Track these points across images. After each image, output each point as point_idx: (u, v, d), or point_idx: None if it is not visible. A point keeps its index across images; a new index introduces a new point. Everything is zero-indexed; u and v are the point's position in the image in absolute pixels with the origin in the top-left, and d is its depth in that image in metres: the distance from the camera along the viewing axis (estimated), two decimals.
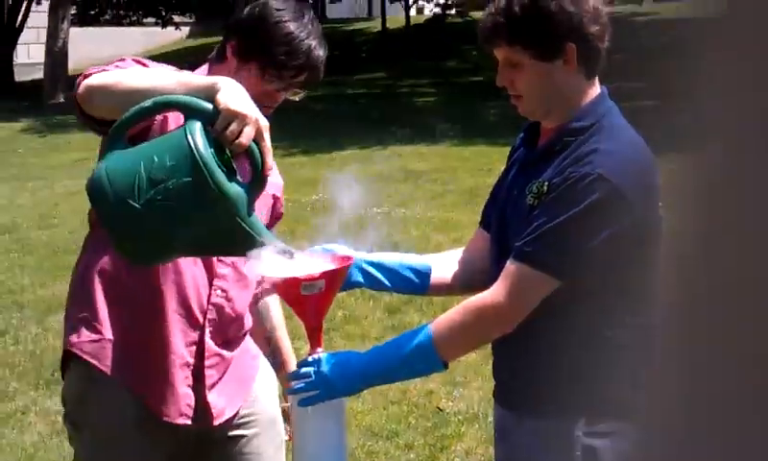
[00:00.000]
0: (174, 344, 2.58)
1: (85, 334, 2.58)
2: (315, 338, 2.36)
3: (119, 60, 2.48)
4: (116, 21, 34.60)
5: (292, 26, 2.54)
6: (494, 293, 2.23)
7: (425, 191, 11.68)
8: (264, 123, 2.18)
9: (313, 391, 2.27)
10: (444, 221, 9.50)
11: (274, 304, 2.95)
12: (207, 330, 2.62)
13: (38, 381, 5.67)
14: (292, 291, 2.31)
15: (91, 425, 2.65)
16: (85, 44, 30.94)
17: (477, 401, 5.20)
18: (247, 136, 2.13)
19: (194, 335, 2.61)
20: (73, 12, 25.93)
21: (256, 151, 2.18)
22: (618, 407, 2.25)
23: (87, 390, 2.63)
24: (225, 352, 2.68)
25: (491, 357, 4.77)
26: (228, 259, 2.59)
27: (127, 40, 34.18)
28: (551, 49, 2.25)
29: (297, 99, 2.65)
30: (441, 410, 5.18)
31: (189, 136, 2.11)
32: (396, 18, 37.40)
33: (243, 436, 2.75)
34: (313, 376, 2.27)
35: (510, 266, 2.22)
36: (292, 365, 2.80)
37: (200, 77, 2.39)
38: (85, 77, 2.34)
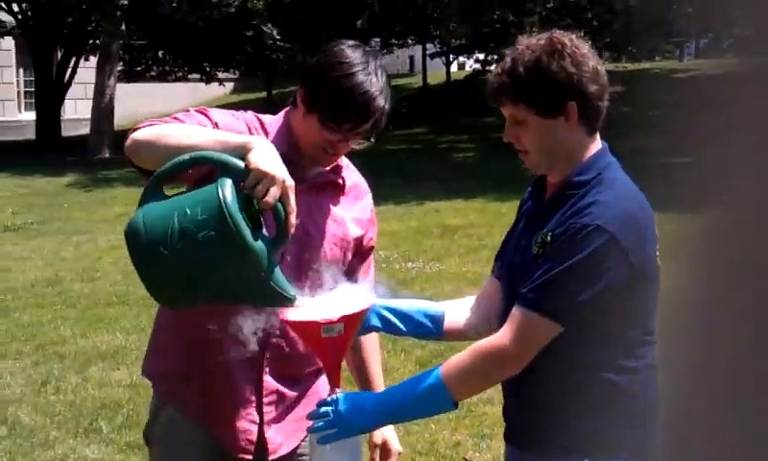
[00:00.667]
0: (234, 379, 2.72)
1: (157, 362, 2.81)
2: (334, 378, 2.52)
3: (184, 111, 2.65)
4: (162, 77, 35.21)
5: (354, 79, 2.59)
6: (501, 337, 2.37)
7: (461, 246, 11.80)
8: (290, 183, 2.33)
9: (331, 429, 2.42)
10: (478, 275, 9.61)
11: (367, 339, 2.98)
12: (266, 368, 2.75)
13: (77, 430, 5.85)
14: (312, 333, 2.47)
15: (157, 444, 2.86)
16: (131, 100, 31.53)
17: (504, 452, 5.29)
18: (273, 196, 2.29)
19: (253, 373, 2.74)
20: (120, 68, 26.44)
21: (281, 209, 2.34)
22: (618, 445, 2.39)
23: (159, 411, 2.84)
24: (286, 391, 2.80)
25: None
26: None
27: (172, 96, 34.78)
28: (553, 106, 2.40)
29: (360, 147, 2.72)
30: None
31: (220, 191, 2.28)
32: (436, 74, 37.74)
33: None
34: (331, 415, 2.42)
35: (515, 312, 2.37)
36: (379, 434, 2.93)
37: (235, 136, 2.51)
38: (135, 130, 2.52)
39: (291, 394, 2.82)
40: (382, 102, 2.63)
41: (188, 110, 2.65)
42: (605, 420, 2.41)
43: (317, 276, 2.60)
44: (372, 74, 2.61)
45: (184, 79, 35.05)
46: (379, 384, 3.00)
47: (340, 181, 2.83)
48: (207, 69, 32.87)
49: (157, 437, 2.86)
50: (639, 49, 33.87)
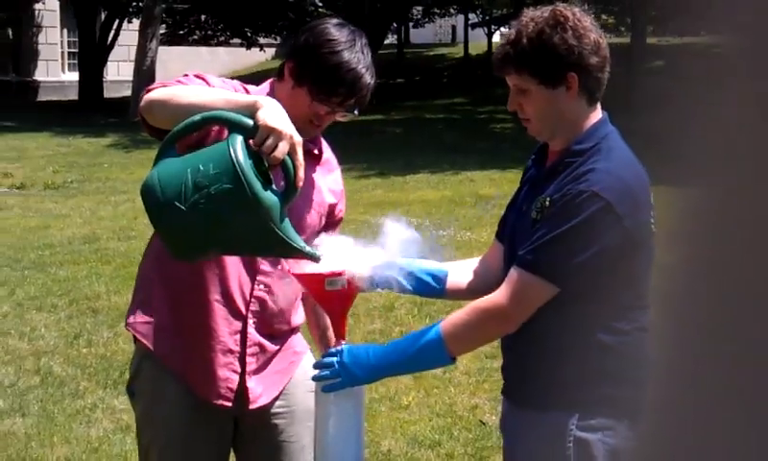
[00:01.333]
0: (217, 331, 2.83)
1: (140, 315, 2.89)
2: (339, 330, 2.63)
3: (183, 75, 2.76)
4: (204, 41, 35.41)
5: (342, 55, 2.73)
6: (498, 296, 2.46)
7: (493, 216, 11.85)
8: (298, 139, 2.44)
9: (335, 378, 2.54)
10: None
11: None
12: (251, 321, 2.86)
13: (107, 382, 6.00)
14: (316, 286, 2.58)
15: (143, 396, 2.96)
16: (173, 63, 31.71)
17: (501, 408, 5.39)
18: (281, 151, 2.40)
19: (237, 324, 2.85)
20: (162, 31, 26.63)
21: (290, 164, 2.44)
22: (609, 405, 2.48)
23: (142, 364, 2.94)
24: (267, 343, 2.91)
25: None
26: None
27: (213, 60, 34.99)
28: (554, 77, 2.48)
29: (344, 120, 2.86)
30: (483, 424, 5.37)
31: (231, 148, 2.38)
32: (478, 44, 37.62)
33: (279, 425, 2.98)
34: (336, 365, 2.53)
35: (512, 272, 2.46)
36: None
37: (244, 96, 2.64)
38: (148, 91, 2.64)
39: (271, 347, 2.93)
40: (369, 78, 2.77)
41: (187, 75, 2.75)
42: (596, 379, 2.49)
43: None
44: (358, 51, 2.75)
45: (226, 43, 35.23)
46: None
47: (317, 151, 2.95)
48: (249, 34, 33.01)
49: (142, 390, 2.95)
50: (683, 22, 33.45)
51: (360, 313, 7.37)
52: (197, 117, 2.47)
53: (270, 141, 2.39)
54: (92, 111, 26.48)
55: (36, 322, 7.37)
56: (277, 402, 2.98)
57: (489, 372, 6.15)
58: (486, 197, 13.32)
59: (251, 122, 2.42)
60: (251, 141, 2.41)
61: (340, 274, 2.52)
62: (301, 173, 2.45)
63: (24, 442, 5.18)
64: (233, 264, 2.81)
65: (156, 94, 2.60)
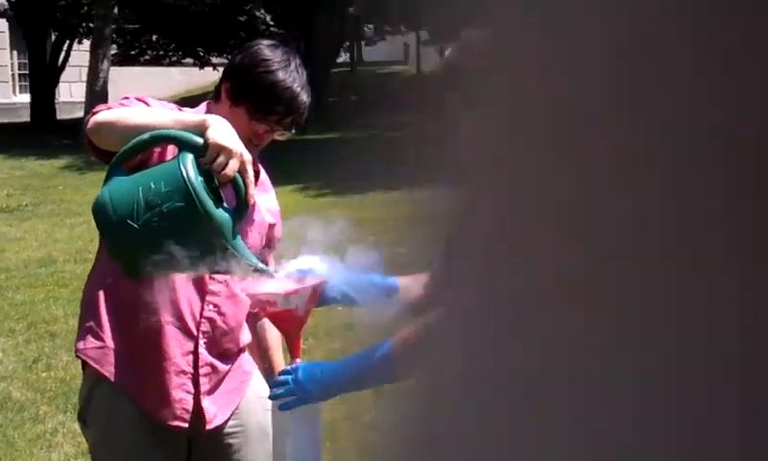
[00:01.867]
0: (169, 353, 2.84)
1: (90, 341, 2.86)
2: (293, 349, 2.66)
3: (123, 98, 2.80)
4: (156, 61, 35.27)
5: (278, 74, 2.80)
6: None
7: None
8: (247, 157, 2.48)
9: (290, 397, 2.56)
10: None
11: (271, 325, 3.16)
12: (201, 342, 2.89)
13: (67, 406, 5.98)
14: (270, 305, 2.61)
15: (96, 423, 2.93)
16: (125, 83, 31.51)
17: None
18: (231, 168, 2.44)
19: (189, 345, 2.87)
20: (114, 51, 26.50)
21: (240, 181, 2.49)
22: None
23: (93, 391, 2.91)
24: (218, 364, 2.94)
25: None
26: (221, 277, 2.86)
27: (165, 80, 34.84)
28: None
29: (282, 138, 2.91)
30: None
31: (182, 166, 2.42)
32: (430, 62, 37.78)
33: (233, 444, 3.00)
34: (290, 383, 2.55)
35: None
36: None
37: (192, 114, 2.69)
38: (94, 114, 2.67)
39: (223, 367, 2.96)
40: (305, 97, 2.85)
41: (128, 97, 2.79)
42: None
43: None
44: (293, 71, 2.83)
45: (179, 63, 35.09)
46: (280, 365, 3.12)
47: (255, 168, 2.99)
48: (201, 54, 32.91)
49: (96, 416, 2.92)
50: None
51: (320, 332, 7.41)
52: (146, 136, 2.49)
53: (220, 159, 2.43)
54: (45, 133, 26.26)
55: None
56: (230, 422, 3.00)
57: None
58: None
59: (200, 140, 2.45)
60: (201, 160, 2.46)
61: (293, 292, 2.55)
62: (252, 190, 2.49)
63: None
64: (183, 285, 2.84)
65: (102, 116, 2.63)
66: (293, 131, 2.91)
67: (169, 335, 2.85)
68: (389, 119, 28.75)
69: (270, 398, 2.60)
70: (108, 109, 2.68)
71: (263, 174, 3.10)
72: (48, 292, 8.96)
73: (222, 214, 2.42)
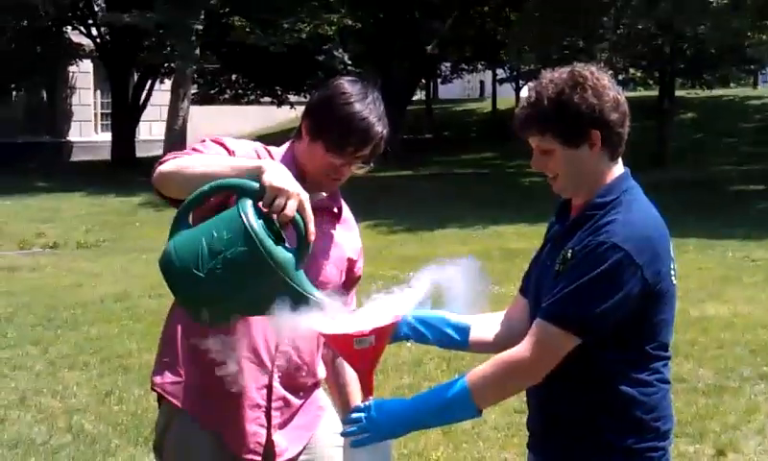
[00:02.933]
0: (245, 387, 2.87)
1: (168, 376, 2.92)
2: (366, 387, 2.65)
3: (201, 141, 2.86)
4: (234, 100, 35.80)
5: (354, 107, 2.81)
6: (522, 348, 2.49)
7: (522, 270, 11.82)
8: (305, 196, 2.50)
9: (364, 434, 2.56)
10: None
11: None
12: (276, 375, 2.91)
13: (138, 439, 6.04)
14: (345, 345, 2.61)
15: (173, 452, 2.97)
16: (204, 122, 32.00)
17: None
18: (291, 209, 2.46)
19: (264, 379, 2.89)
20: (194, 91, 26.97)
21: (300, 220, 2.50)
22: (630, 457, 2.50)
23: (170, 423, 2.96)
24: (292, 398, 2.96)
25: None
26: None
27: (244, 118, 35.34)
28: (577, 136, 2.52)
29: (361, 173, 2.92)
30: None
31: (241, 212, 2.45)
32: (506, 99, 37.79)
33: None
34: (363, 420, 2.56)
35: (535, 324, 2.48)
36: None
37: (248, 160, 2.70)
38: (160, 164, 2.74)
39: (295, 401, 2.97)
40: (380, 128, 2.84)
41: (204, 140, 2.85)
42: (618, 430, 2.51)
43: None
44: (370, 103, 2.83)
45: (257, 102, 35.58)
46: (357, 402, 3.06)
47: (336, 208, 3.02)
48: (279, 92, 33.32)
49: (171, 447, 2.96)
50: (712, 76, 33.50)
51: (389, 368, 7.40)
52: (205, 188, 2.54)
53: (278, 201, 2.45)
54: (124, 171, 26.79)
55: (69, 380, 7.44)
56: (301, 457, 3.01)
57: (518, 426, 6.14)
58: (515, 251, 13.34)
59: (257, 185, 2.48)
60: (260, 204, 2.47)
61: (368, 334, 2.55)
62: (312, 227, 2.50)
63: None
64: (258, 321, 2.85)
65: (166, 167, 2.69)
66: (371, 164, 2.90)
67: (246, 370, 2.87)
68: (464, 156, 28.78)
69: (343, 435, 2.60)
70: (174, 157, 2.73)
71: (347, 211, 3.11)
72: (122, 327, 9.10)
73: (284, 254, 2.43)
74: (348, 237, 3.08)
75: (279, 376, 2.92)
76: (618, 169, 2.60)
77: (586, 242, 2.46)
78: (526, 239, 14.46)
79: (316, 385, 3.07)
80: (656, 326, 2.51)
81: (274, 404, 2.93)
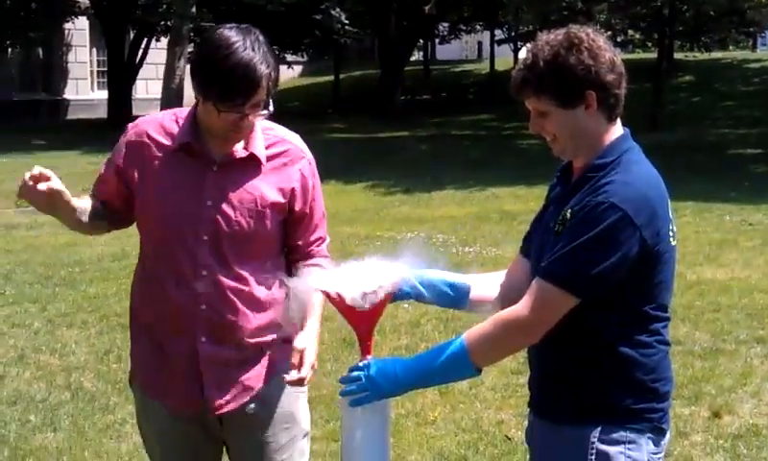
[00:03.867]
0: (172, 356, 3.00)
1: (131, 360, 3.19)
2: (365, 346, 2.67)
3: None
4: None
5: (230, 60, 2.73)
6: (520, 307, 2.51)
7: (519, 232, 11.86)
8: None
9: (362, 393, 2.58)
10: None
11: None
12: (201, 339, 2.97)
13: None
14: (345, 304, 2.62)
15: (138, 420, 3.27)
16: None
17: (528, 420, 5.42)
18: None
19: (188, 344, 2.97)
20: (190, 49, 26.82)
21: None
22: (631, 418, 2.53)
23: (134, 396, 3.24)
24: (221, 354, 3.00)
25: None
26: (209, 277, 2.92)
27: None
28: (573, 97, 2.52)
29: (264, 118, 2.88)
30: (509, 439, 5.39)
31: None
32: (504, 60, 37.65)
33: (255, 426, 3.08)
34: (363, 379, 2.57)
35: (534, 283, 2.50)
36: (300, 341, 2.98)
37: None
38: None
39: (229, 358, 3.01)
40: (265, 68, 2.77)
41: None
42: (618, 392, 2.53)
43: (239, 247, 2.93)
44: (248, 48, 2.76)
45: None
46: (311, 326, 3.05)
47: (245, 153, 2.95)
48: (277, 52, 33.10)
49: (137, 417, 3.28)
50: (711, 38, 33.42)
51: (386, 329, 7.43)
52: None
53: None
54: (121, 129, 26.73)
55: (67, 338, 7.48)
56: (252, 405, 3.06)
57: (514, 387, 6.18)
58: (512, 213, 13.36)
59: None
60: None
61: (372, 293, 2.56)
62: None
63: (56, 456, 5.26)
64: (174, 295, 2.95)
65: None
66: (270, 108, 2.86)
67: (170, 342, 3.00)
68: (461, 117, 28.74)
69: (342, 394, 2.62)
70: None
71: (282, 147, 3.03)
72: (120, 285, 9.09)
73: None
74: (275, 177, 3.00)
75: (204, 340, 2.97)
76: (617, 130, 2.60)
77: (584, 202, 2.47)
78: (523, 201, 14.48)
79: (249, 337, 3.03)
80: (655, 287, 2.53)
81: (201, 366, 3.00)
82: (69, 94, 33.78)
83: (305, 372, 2.88)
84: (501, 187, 16.04)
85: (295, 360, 2.90)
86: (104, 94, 31.94)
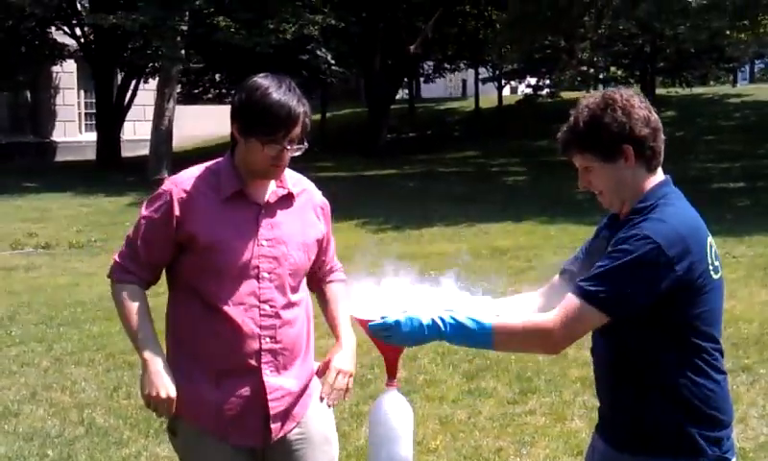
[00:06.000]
0: (237, 390, 3.19)
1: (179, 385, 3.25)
2: (392, 370, 2.96)
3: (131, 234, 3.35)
4: (218, 99, 35.96)
5: (272, 97, 3.11)
6: (551, 318, 2.75)
7: (509, 267, 12.14)
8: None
9: (384, 332, 2.78)
10: None
11: (332, 289, 3.54)
12: (265, 371, 3.21)
13: (149, 431, 6.29)
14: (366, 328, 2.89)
15: (182, 432, 3.32)
16: (188, 121, 32.18)
17: (542, 459, 5.68)
18: None
19: (255, 377, 3.19)
20: (178, 90, 27.10)
21: None
22: (696, 447, 2.77)
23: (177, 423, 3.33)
24: (284, 384, 3.25)
25: (558, 421, 5.34)
26: (271, 310, 3.20)
27: (227, 117, 35.37)
28: (612, 152, 2.82)
29: (300, 153, 3.20)
30: None
31: None
32: (489, 98, 38.10)
33: (297, 450, 3.31)
34: (391, 323, 2.76)
35: (567, 298, 2.75)
36: (339, 361, 3.28)
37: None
38: (117, 266, 3.35)
39: (287, 386, 3.27)
40: (301, 108, 3.14)
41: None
42: (683, 422, 2.76)
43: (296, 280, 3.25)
44: (285, 89, 3.14)
45: None
46: (344, 325, 3.38)
47: (285, 191, 3.30)
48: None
49: (180, 428, 3.33)
50: (691, 74, 33.94)
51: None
52: None
53: None
54: (110, 171, 26.92)
55: (76, 376, 7.69)
56: (295, 431, 3.30)
57: (512, 416, 6.44)
58: (501, 248, 13.62)
59: None
60: None
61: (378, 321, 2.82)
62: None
63: None
64: (241, 323, 3.17)
65: (116, 300, 3.35)
66: (305, 144, 3.19)
67: (237, 368, 3.20)
68: (447, 155, 29.04)
69: (371, 327, 2.82)
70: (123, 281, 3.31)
71: (300, 185, 3.38)
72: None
73: None
74: (309, 210, 3.38)
75: (269, 372, 3.22)
76: (657, 178, 2.88)
77: (621, 235, 2.74)
78: (512, 237, 14.77)
79: (303, 363, 3.33)
80: (701, 317, 2.76)
81: (270, 396, 3.23)
82: (57, 136, 33.99)
83: (340, 394, 3.21)
84: (490, 223, 16.31)
85: (330, 380, 3.19)
86: (92, 136, 32.14)
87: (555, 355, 2.82)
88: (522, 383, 7.20)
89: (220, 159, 3.31)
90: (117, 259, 3.32)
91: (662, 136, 2.87)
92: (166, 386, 3.10)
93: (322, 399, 3.22)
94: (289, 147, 3.15)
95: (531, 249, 13.45)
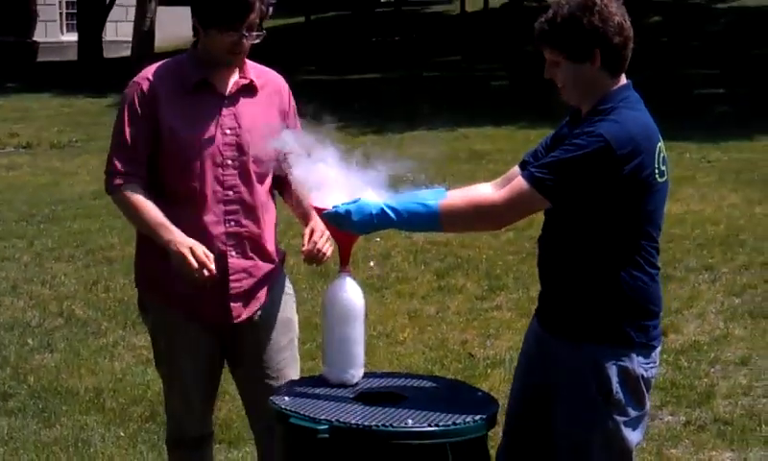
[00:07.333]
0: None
1: (145, 272, 3.50)
2: (345, 258, 3.09)
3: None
4: None
5: None
6: (496, 196, 2.90)
7: (487, 171, 12.27)
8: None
9: (339, 208, 2.90)
10: None
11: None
12: (230, 253, 3.36)
13: (126, 322, 6.48)
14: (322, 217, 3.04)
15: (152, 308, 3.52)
16: (171, 23, 31.88)
17: (505, 350, 5.87)
18: None
19: (220, 259, 3.30)
20: None
21: None
22: (627, 336, 2.93)
23: (145, 302, 3.55)
24: (246, 267, 3.40)
25: (523, 316, 5.53)
26: (235, 196, 3.33)
27: None
28: (581, 53, 2.93)
29: (260, 41, 3.31)
30: (472, 356, 5.85)
31: None
32: (474, 2, 37.81)
33: (261, 331, 3.47)
34: (342, 210, 2.89)
35: (516, 180, 2.88)
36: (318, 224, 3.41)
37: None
38: (114, 181, 3.42)
39: (250, 268, 3.42)
40: None
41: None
42: (614, 311, 2.92)
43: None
44: None
45: None
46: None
47: (246, 81, 3.41)
48: None
49: (153, 322, 3.55)
50: None
51: (359, 260, 7.84)
52: None
53: None
54: (92, 72, 26.76)
55: (56, 270, 7.88)
56: (260, 313, 3.46)
57: (479, 312, 6.66)
58: (480, 152, 13.75)
59: None
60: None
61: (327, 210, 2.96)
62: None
63: (55, 374, 5.68)
64: (206, 210, 3.32)
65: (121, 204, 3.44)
66: (263, 31, 3.30)
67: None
68: (432, 59, 28.95)
69: (324, 214, 2.98)
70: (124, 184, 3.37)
71: (266, 77, 3.48)
72: (103, 222, 9.45)
73: None
74: (273, 101, 3.48)
75: (234, 254, 3.37)
76: (620, 82, 2.99)
77: (577, 131, 2.88)
78: (491, 141, 14.88)
79: (265, 248, 3.46)
80: (644, 216, 2.92)
81: (231, 277, 3.37)
82: (39, 36, 33.68)
83: (324, 246, 3.38)
84: (470, 128, 16.40)
85: (315, 237, 3.36)
86: (74, 36, 31.83)
87: (497, 230, 2.95)
88: (491, 280, 7.40)
89: (182, 55, 3.43)
90: (108, 170, 3.43)
91: (632, 45, 2.98)
92: (194, 245, 3.19)
93: (308, 254, 3.36)
94: (247, 34, 3.26)
95: (509, 152, 13.54)
